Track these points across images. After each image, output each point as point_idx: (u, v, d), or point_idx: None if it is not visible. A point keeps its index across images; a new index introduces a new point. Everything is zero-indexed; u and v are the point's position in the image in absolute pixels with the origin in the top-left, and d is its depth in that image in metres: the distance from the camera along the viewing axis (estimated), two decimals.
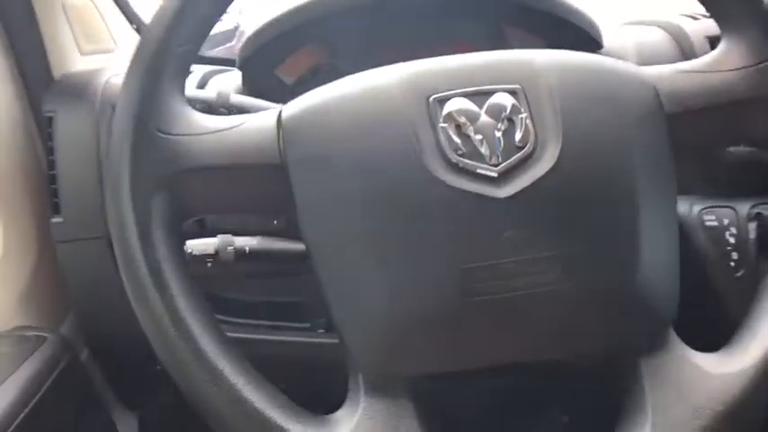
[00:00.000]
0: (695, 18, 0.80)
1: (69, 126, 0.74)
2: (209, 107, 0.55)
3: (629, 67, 0.46)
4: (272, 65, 0.73)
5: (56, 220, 0.73)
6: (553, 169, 0.39)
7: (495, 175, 0.39)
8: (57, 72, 0.79)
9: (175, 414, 0.73)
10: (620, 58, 0.75)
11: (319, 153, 0.41)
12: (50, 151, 0.74)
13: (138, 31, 0.98)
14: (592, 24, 0.74)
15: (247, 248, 0.53)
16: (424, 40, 0.76)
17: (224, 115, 0.56)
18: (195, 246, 0.52)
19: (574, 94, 0.41)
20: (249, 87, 0.73)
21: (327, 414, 0.42)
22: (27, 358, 0.66)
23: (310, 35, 0.73)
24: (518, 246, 0.38)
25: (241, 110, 0.56)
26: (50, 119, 0.74)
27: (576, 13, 0.74)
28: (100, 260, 0.74)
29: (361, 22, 0.74)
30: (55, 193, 0.73)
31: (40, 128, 0.76)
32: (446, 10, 0.76)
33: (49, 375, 0.67)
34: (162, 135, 0.40)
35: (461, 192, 0.38)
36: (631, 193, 0.41)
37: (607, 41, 0.76)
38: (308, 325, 0.74)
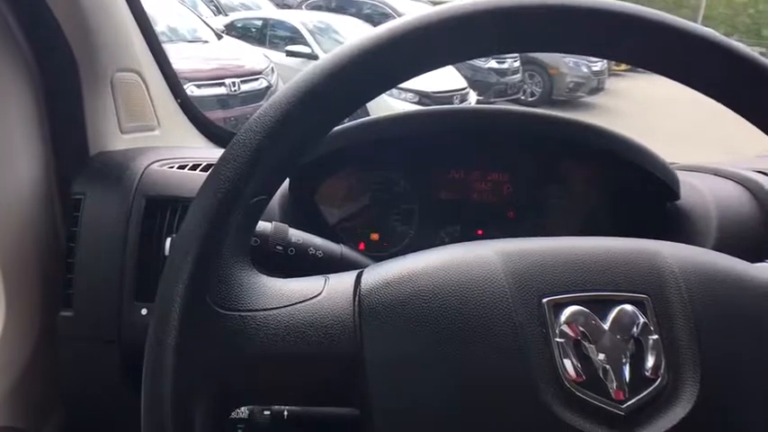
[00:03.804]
0: None
1: (97, 212, 0.67)
2: (264, 243, 0.49)
3: (762, 271, 0.40)
4: (317, 182, 0.68)
5: (65, 313, 0.66)
6: (691, 414, 0.32)
7: (622, 414, 0.32)
8: (93, 149, 0.74)
9: None
10: (700, 212, 0.71)
11: (403, 350, 0.34)
12: (72, 237, 0.67)
13: (182, 105, 0.94)
14: (670, 174, 0.70)
15: (285, 413, 0.46)
16: (475, 168, 0.72)
17: (280, 253, 0.50)
18: None
19: (710, 310, 0.35)
20: (295, 198, 0.67)
21: None
22: None
23: (356, 158, 0.69)
24: None
25: (299, 249, 0.50)
26: (78, 201, 0.68)
27: (655, 160, 0.69)
28: (104, 364, 0.67)
29: (411, 148, 0.70)
30: (69, 284, 0.67)
31: (66, 209, 0.70)
32: (505, 144, 0.72)
33: None
34: (219, 311, 0.33)
35: None
36: None
37: (682, 192, 0.71)
38: None
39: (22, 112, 0.68)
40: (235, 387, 0.34)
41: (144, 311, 0.65)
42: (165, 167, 0.70)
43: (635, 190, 0.71)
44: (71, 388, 0.69)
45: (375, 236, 0.71)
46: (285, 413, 0.45)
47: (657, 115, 6.84)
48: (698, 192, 0.72)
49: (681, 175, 0.73)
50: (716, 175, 0.78)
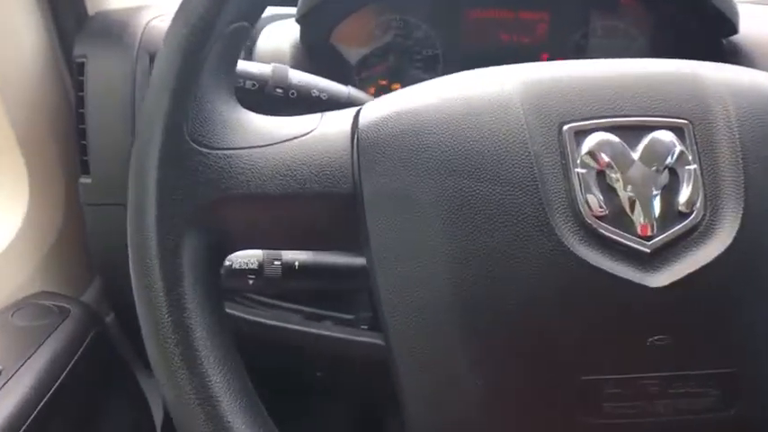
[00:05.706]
0: None
1: (102, 74, 0.65)
2: (262, 86, 0.45)
3: None
4: (332, 25, 0.62)
5: (84, 180, 0.66)
6: (728, 252, 0.28)
7: (647, 251, 0.28)
8: (91, 8, 0.70)
9: None
10: (760, 48, 0.63)
11: (404, 186, 0.31)
12: (81, 102, 0.65)
13: None
14: (728, 5, 0.61)
15: (297, 264, 0.44)
16: (506, 6, 0.64)
17: (280, 96, 0.47)
18: (236, 259, 0.43)
19: (762, 137, 0.30)
20: (308, 46, 0.62)
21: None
22: (51, 333, 0.61)
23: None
24: (667, 356, 0.28)
25: (301, 92, 0.46)
26: (82, 65, 0.65)
27: None
28: (126, 228, 0.67)
29: None
30: (84, 151, 0.65)
31: (72, 74, 0.67)
32: None
33: (76, 350, 0.62)
34: (201, 150, 0.31)
35: (596, 271, 0.28)
36: None
37: (742, 26, 0.62)
38: (351, 317, 0.67)
39: None
40: (221, 230, 0.32)
41: None
42: (166, 22, 0.66)
43: (687, 25, 0.64)
44: (100, 253, 0.71)
45: (397, 86, 0.66)
46: (296, 264, 0.44)
47: None
48: (759, 25, 0.64)
49: (743, 9, 0.64)
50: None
